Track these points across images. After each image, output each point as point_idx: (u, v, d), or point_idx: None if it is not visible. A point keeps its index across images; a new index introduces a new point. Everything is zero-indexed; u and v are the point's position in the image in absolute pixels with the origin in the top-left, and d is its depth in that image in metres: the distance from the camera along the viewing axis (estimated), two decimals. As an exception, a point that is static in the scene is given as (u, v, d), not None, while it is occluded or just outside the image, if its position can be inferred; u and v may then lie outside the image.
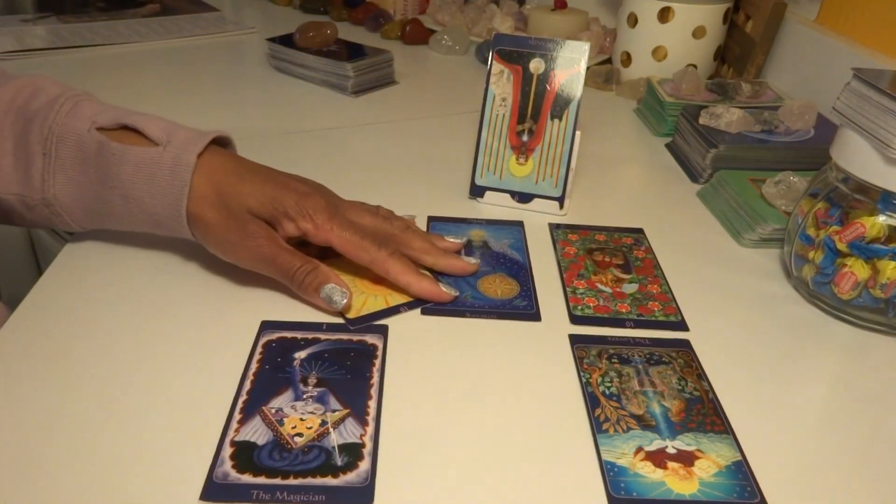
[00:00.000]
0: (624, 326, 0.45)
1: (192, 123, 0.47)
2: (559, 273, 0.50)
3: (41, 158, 0.45)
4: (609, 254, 0.53)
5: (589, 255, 0.53)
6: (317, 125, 0.73)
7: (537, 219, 0.57)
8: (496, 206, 0.59)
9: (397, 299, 0.46)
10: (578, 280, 0.49)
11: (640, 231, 0.56)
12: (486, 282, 0.49)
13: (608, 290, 0.48)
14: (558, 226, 0.56)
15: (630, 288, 0.49)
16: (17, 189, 0.46)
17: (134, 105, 0.48)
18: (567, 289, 0.49)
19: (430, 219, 0.56)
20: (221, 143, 0.49)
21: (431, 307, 0.46)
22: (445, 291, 0.46)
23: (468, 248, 0.53)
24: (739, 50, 0.88)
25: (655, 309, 0.47)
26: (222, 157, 0.46)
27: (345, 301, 0.43)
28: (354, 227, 0.45)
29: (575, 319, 0.46)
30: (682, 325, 0.45)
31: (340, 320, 0.44)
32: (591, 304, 0.47)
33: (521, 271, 0.50)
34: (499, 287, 0.49)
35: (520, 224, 0.57)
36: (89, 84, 0.81)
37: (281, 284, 0.46)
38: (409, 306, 0.45)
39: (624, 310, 0.46)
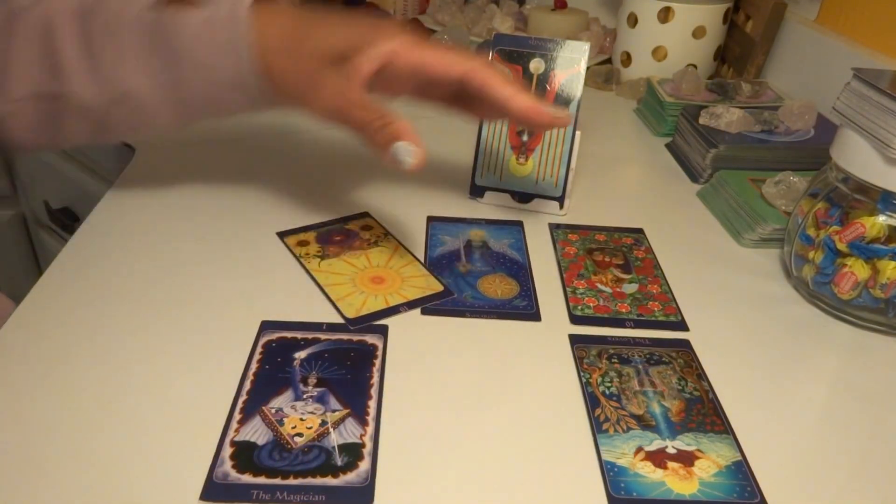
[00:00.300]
0: (624, 326, 0.45)
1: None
2: (559, 273, 0.50)
3: (109, 52, 0.44)
4: (609, 254, 0.53)
5: (589, 255, 0.53)
6: (316, 125, 0.73)
7: (537, 219, 0.57)
8: (496, 206, 0.59)
9: (397, 299, 0.46)
10: (578, 280, 0.49)
11: (640, 231, 0.56)
12: (485, 282, 0.49)
13: (608, 290, 0.48)
14: (558, 226, 0.56)
15: (630, 288, 0.49)
16: (92, 88, 0.44)
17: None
18: (567, 289, 0.49)
19: (430, 219, 0.56)
20: None
21: (431, 307, 0.46)
22: (548, 111, 0.42)
23: (468, 248, 0.53)
24: (739, 50, 0.88)
25: (655, 309, 0.47)
26: (277, 6, 0.43)
27: (413, 161, 0.41)
28: (441, 45, 0.42)
29: (575, 319, 0.46)
30: (682, 325, 0.45)
31: (341, 320, 0.44)
32: (591, 304, 0.47)
33: (520, 271, 0.50)
34: (499, 287, 0.49)
35: (519, 224, 0.57)
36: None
37: (281, 284, 0.46)
38: (409, 306, 0.45)
39: (624, 310, 0.46)
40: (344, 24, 0.42)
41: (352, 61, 0.41)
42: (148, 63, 0.44)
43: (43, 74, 0.45)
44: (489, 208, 0.59)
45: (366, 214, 0.56)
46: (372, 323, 0.44)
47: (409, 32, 0.42)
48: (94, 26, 0.44)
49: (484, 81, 0.41)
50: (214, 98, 0.45)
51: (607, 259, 0.52)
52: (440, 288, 0.48)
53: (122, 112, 0.46)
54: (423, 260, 0.51)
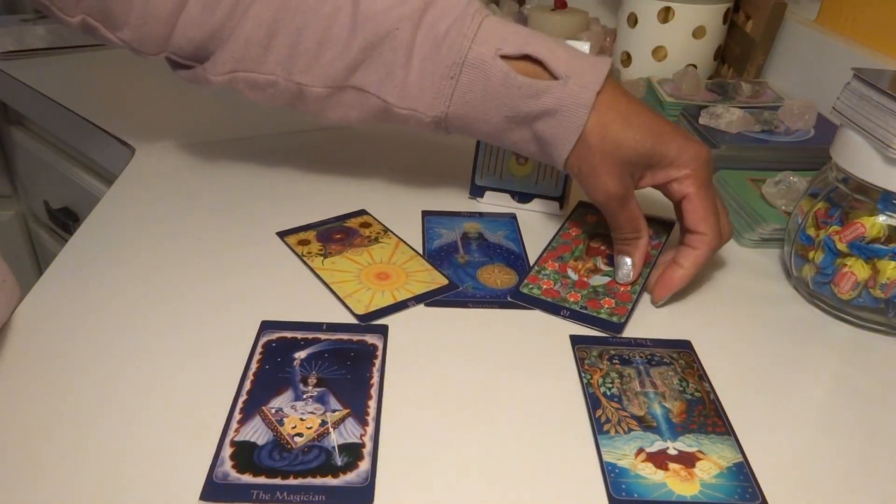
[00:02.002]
0: (558, 314, 0.45)
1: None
2: (542, 251, 0.51)
3: (448, 81, 0.47)
4: (610, 245, 0.52)
5: (590, 239, 0.53)
6: (317, 125, 0.73)
7: (532, 211, 0.57)
8: (496, 206, 0.59)
9: (404, 294, 0.46)
10: (554, 262, 0.50)
11: (670, 224, 0.54)
12: (484, 272, 0.49)
13: (574, 277, 0.49)
14: (585, 204, 0.57)
15: (598, 280, 0.49)
16: (415, 105, 0.48)
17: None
18: (535, 266, 0.49)
19: (425, 213, 0.56)
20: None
21: (436, 300, 0.46)
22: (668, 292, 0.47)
23: (464, 239, 0.53)
24: (739, 50, 0.88)
25: (606, 305, 0.46)
26: (615, 93, 0.46)
27: (624, 279, 0.48)
28: (715, 200, 0.47)
29: (514, 295, 0.47)
30: (617, 327, 0.45)
31: (343, 319, 0.44)
32: (544, 286, 0.48)
33: (518, 261, 0.51)
34: (498, 277, 0.49)
35: (513, 216, 0.57)
36: (90, 84, 0.81)
37: (281, 284, 0.46)
38: (416, 300, 0.46)
39: (573, 298, 0.47)
40: (653, 133, 0.45)
41: (636, 174, 0.47)
42: (473, 101, 0.48)
43: (371, 77, 0.49)
44: (478, 202, 0.59)
45: (363, 212, 0.56)
46: (379, 320, 0.44)
47: (710, 158, 0.46)
48: (441, 54, 0.47)
49: (696, 248, 0.47)
50: (511, 143, 0.50)
51: (602, 248, 0.52)
52: (445, 281, 0.48)
53: (429, 126, 0.50)
54: (421, 253, 0.51)
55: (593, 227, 0.54)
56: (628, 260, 0.48)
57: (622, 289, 0.48)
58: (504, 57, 0.46)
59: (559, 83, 0.45)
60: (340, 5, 0.48)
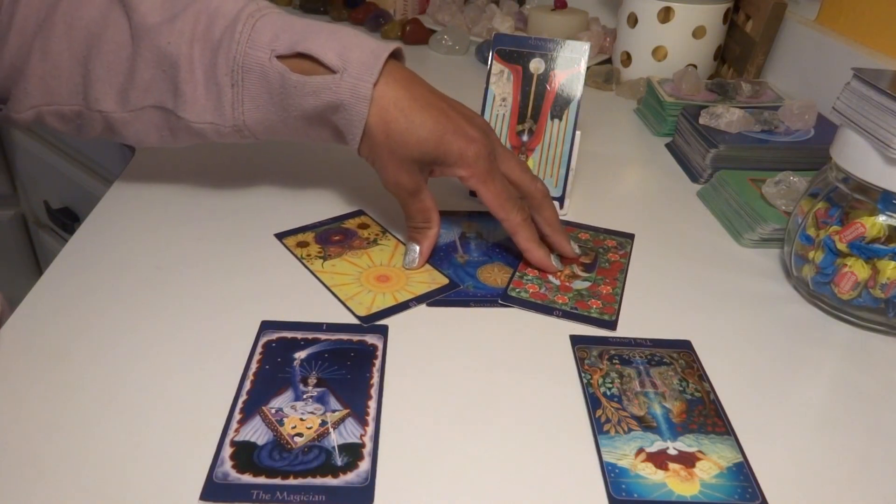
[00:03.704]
0: (551, 314, 0.45)
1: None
2: (519, 259, 0.51)
3: (230, 89, 0.47)
4: (581, 252, 0.52)
5: None
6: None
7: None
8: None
9: (405, 295, 0.46)
10: (533, 269, 0.50)
11: (629, 237, 0.55)
12: (484, 271, 0.50)
13: (557, 282, 0.49)
14: None
15: (580, 285, 0.49)
16: (210, 118, 0.48)
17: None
18: (517, 273, 0.49)
19: None
20: (394, 55, 0.49)
21: (437, 300, 0.46)
22: (555, 265, 0.50)
23: (463, 239, 0.53)
24: (739, 50, 0.88)
25: (594, 306, 0.46)
26: (395, 85, 0.46)
27: (408, 265, 0.49)
28: (504, 183, 0.47)
29: (505, 298, 0.47)
30: (611, 325, 0.45)
31: (343, 320, 0.44)
32: (530, 290, 0.48)
33: (516, 261, 0.51)
34: (498, 276, 0.49)
35: None
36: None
37: (281, 284, 0.46)
38: (418, 301, 0.46)
39: (561, 301, 0.47)
40: (438, 127, 0.46)
41: (427, 169, 0.48)
42: (265, 106, 0.48)
43: (164, 95, 0.48)
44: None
45: (361, 212, 0.56)
46: (382, 321, 0.44)
47: (491, 145, 0.47)
48: (219, 63, 0.47)
49: (515, 234, 0.48)
50: (313, 139, 0.51)
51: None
52: (445, 281, 0.48)
53: (231, 137, 0.50)
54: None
55: None
56: (416, 247, 0.49)
57: (604, 291, 0.48)
58: (281, 57, 0.46)
59: (335, 77, 0.45)
60: (117, 25, 0.47)
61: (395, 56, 0.49)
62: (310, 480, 0.33)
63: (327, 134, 0.49)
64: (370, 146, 0.47)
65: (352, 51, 0.45)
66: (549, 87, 0.56)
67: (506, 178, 0.47)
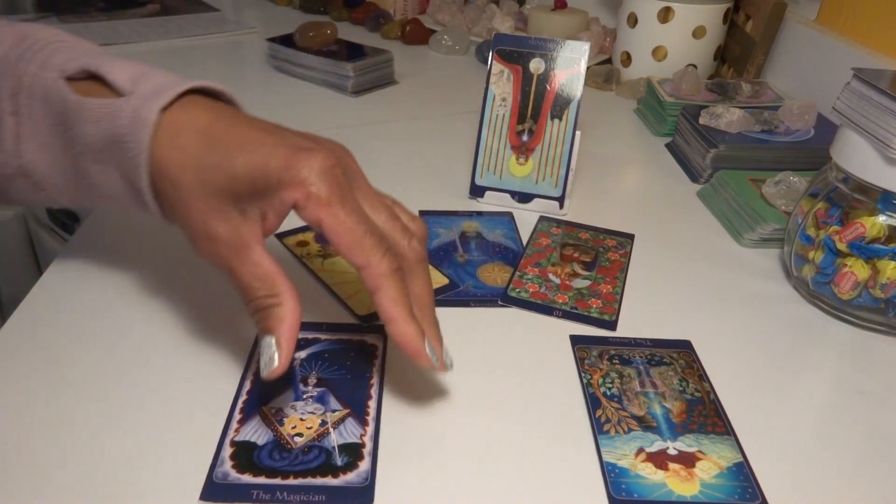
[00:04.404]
0: (551, 314, 0.45)
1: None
2: (518, 258, 0.51)
3: (11, 118, 0.37)
4: (582, 251, 0.53)
5: (561, 248, 0.53)
6: (317, 125, 0.73)
7: (529, 211, 0.57)
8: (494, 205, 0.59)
9: None
10: (533, 267, 0.50)
11: (629, 237, 0.56)
12: (484, 271, 0.50)
13: (557, 280, 0.49)
14: (548, 218, 0.57)
15: (580, 283, 0.49)
16: (29, 152, 0.38)
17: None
18: (517, 272, 0.49)
19: (422, 213, 0.56)
20: (211, 94, 0.37)
21: (437, 300, 0.46)
22: (427, 355, 0.35)
23: (463, 238, 0.53)
24: (739, 50, 0.88)
25: (594, 306, 0.47)
26: (197, 110, 0.35)
27: (268, 371, 0.32)
28: (360, 214, 0.33)
29: (505, 299, 0.46)
30: (611, 325, 0.45)
31: (343, 320, 0.44)
32: (530, 290, 0.48)
33: (516, 259, 0.51)
34: (498, 275, 0.49)
35: (510, 214, 0.57)
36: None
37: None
38: None
39: (561, 300, 0.47)
40: (252, 146, 0.33)
41: (252, 212, 0.34)
42: (51, 142, 0.37)
43: None
44: (478, 202, 0.59)
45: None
46: (375, 323, 0.44)
47: (338, 158, 0.33)
48: (2, 86, 0.38)
49: (376, 289, 0.33)
50: (113, 196, 0.38)
51: (575, 255, 0.52)
52: (445, 281, 0.48)
53: (21, 185, 0.39)
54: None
55: (561, 237, 0.54)
56: (271, 339, 0.33)
57: (604, 290, 0.48)
58: (70, 79, 0.36)
59: (119, 101, 0.35)
60: None
61: (218, 97, 0.37)
62: (310, 480, 0.33)
63: (120, 184, 0.37)
64: (165, 192, 0.34)
65: (150, 78, 0.36)
66: (549, 87, 0.56)
67: (364, 214, 0.34)
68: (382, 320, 0.34)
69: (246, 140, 0.33)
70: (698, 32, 0.83)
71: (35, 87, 0.37)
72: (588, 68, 0.63)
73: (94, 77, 0.36)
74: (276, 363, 0.32)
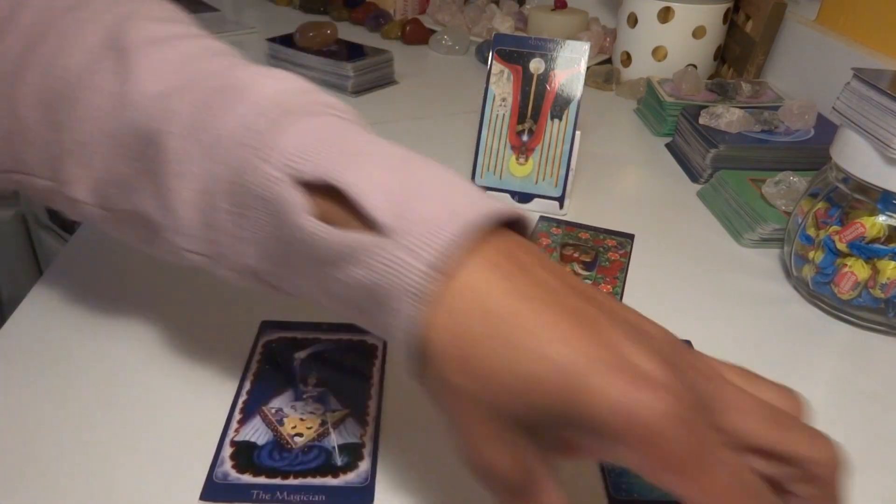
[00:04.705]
0: None
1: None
2: None
3: (227, 215, 0.28)
4: (582, 251, 0.53)
5: (561, 248, 0.53)
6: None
7: (533, 212, 0.57)
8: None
9: None
10: None
11: (629, 237, 0.55)
12: None
13: None
14: (548, 218, 0.57)
15: None
16: (202, 248, 0.30)
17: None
18: None
19: None
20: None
21: None
22: None
23: None
24: (739, 50, 0.88)
25: None
26: (484, 274, 0.24)
27: None
28: (731, 469, 0.21)
29: None
30: None
31: (342, 320, 0.44)
32: None
33: None
34: None
35: None
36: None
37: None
38: None
39: None
40: (566, 349, 0.22)
41: (549, 439, 0.24)
42: (273, 256, 0.28)
43: (146, 200, 0.31)
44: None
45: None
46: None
47: (687, 406, 0.21)
48: (217, 174, 0.28)
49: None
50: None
51: (575, 255, 0.52)
52: None
53: (234, 280, 0.31)
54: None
55: (560, 237, 0.54)
56: None
57: (604, 290, 0.48)
58: (305, 184, 0.26)
59: (376, 241, 0.24)
60: (101, 82, 0.31)
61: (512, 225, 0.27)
62: (310, 480, 0.33)
63: (373, 326, 0.27)
64: (432, 379, 0.25)
65: (417, 202, 0.24)
66: (549, 87, 0.56)
67: (738, 453, 0.22)
68: None
69: (563, 346, 0.22)
70: (698, 32, 0.83)
71: (252, 183, 0.27)
72: (588, 68, 0.63)
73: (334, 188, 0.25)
74: None
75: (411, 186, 0.25)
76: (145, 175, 0.30)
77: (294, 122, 0.27)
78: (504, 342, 0.22)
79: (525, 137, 0.57)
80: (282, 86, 0.29)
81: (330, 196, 0.25)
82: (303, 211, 0.25)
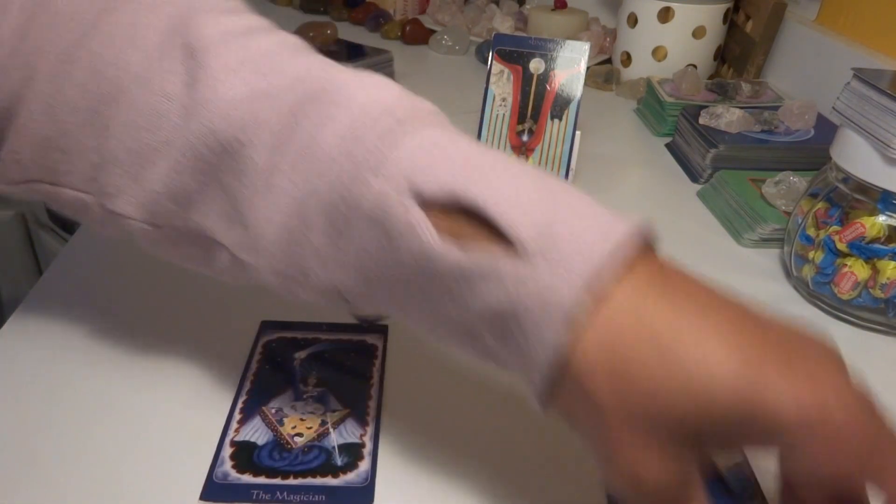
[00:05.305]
0: None
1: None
2: None
3: (322, 237, 0.26)
4: None
5: None
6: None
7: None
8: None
9: None
10: None
11: None
12: None
13: None
14: None
15: None
16: (281, 265, 0.28)
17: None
18: None
19: None
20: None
21: None
22: None
23: None
24: (739, 50, 0.88)
25: None
26: (638, 297, 0.23)
27: None
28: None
29: None
30: None
31: (342, 320, 0.44)
32: None
33: None
34: None
35: None
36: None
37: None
38: None
39: None
40: (734, 355, 0.22)
41: (699, 447, 0.23)
42: (380, 279, 0.26)
43: (214, 218, 0.29)
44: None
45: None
46: (382, 321, 0.44)
47: (869, 417, 0.22)
48: (318, 187, 0.26)
49: None
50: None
51: None
52: None
53: (313, 297, 0.29)
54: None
55: None
56: None
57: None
58: (426, 203, 0.24)
59: (513, 261, 0.23)
60: (164, 83, 0.28)
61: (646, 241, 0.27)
62: (310, 480, 0.33)
63: (487, 351, 0.26)
64: (574, 399, 0.24)
65: (561, 221, 0.23)
66: (549, 87, 0.56)
67: None
68: None
69: (715, 349, 0.22)
70: (698, 32, 0.83)
71: (361, 199, 0.24)
72: (588, 68, 0.63)
73: (462, 206, 0.24)
74: None
75: (548, 203, 0.24)
76: (216, 189, 0.28)
77: (407, 132, 0.25)
78: (667, 356, 0.22)
79: (525, 137, 0.57)
80: (384, 92, 0.27)
81: (450, 214, 0.24)
82: (427, 230, 0.23)
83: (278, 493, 0.32)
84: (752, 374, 0.21)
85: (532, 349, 0.23)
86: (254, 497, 0.32)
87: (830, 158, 0.48)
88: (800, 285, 0.50)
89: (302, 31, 0.86)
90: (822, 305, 0.48)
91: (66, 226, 1.12)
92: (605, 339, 0.22)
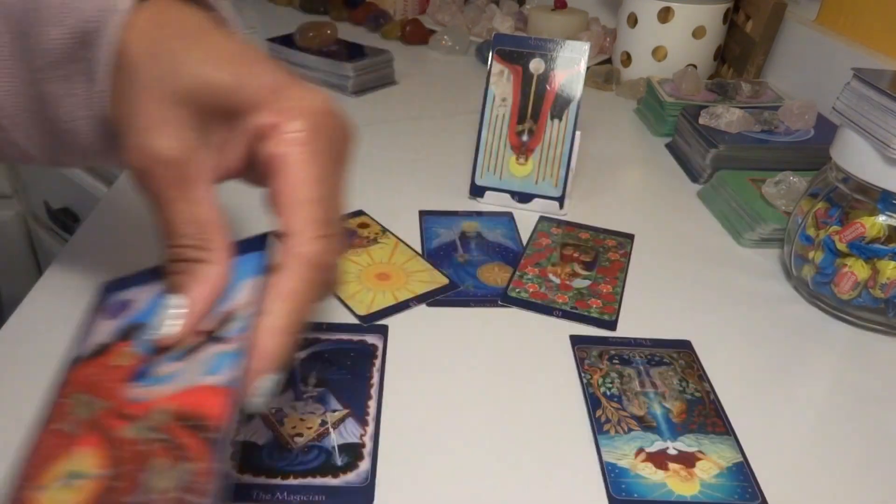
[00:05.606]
0: (551, 314, 0.45)
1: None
2: (518, 258, 0.51)
3: None
4: (581, 251, 0.53)
5: (561, 248, 0.53)
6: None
7: (530, 211, 0.57)
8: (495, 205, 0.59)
9: (405, 294, 0.46)
10: (533, 267, 0.50)
11: (629, 237, 0.55)
12: (484, 271, 0.50)
13: (557, 280, 0.49)
14: (548, 218, 0.57)
15: (580, 283, 0.49)
16: None
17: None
18: (517, 272, 0.49)
19: (422, 213, 0.56)
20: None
21: (437, 299, 0.46)
22: (264, 385, 0.26)
23: (463, 238, 0.53)
24: (739, 50, 0.88)
25: (593, 305, 0.47)
26: (187, 9, 0.29)
27: (164, 333, 0.27)
28: (333, 180, 0.28)
29: (505, 299, 0.46)
30: (611, 325, 0.45)
31: (344, 320, 0.44)
32: (530, 290, 0.48)
33: (516, 259, 0.51)
34: (497, 275, 0.49)
35: (509, 214, 0.57)
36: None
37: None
38: (418, 300, 0.46)
39: (560, 300, 0.47)
40: (236, 55, 0.28)
41: (212, 137, 0.28)
42: (8, 62, 0.30)
43: None
44: (478, 202, 0.59)
45: (360, 212, 0.56)
46: (381, 320, 0.44)
47: (331, 112, 0.29)
48: None
49: (282, 266, 0.28)
50: (79, 132, 0.32)
51: (576, 255, 0.52)
52: (445, 281, 0.48)
53: None
54: (421, 253, 0.51)
55: (560, 236, 0.54)
56: (180, 301, 0.28)
57: (604, 290, 0.48)
58: None
59: None
60: None
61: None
62: (310, 480, 0.33)
63: (83, 105, 0.30)
64: (121, 86, 0.28)
65: None
66: (549, 87, 0.56)
67: (338, 182, 0.30)
68: (259, 304, 0.26)
69: (239, 52, 0.28)
70: (698, 32, 0.83)
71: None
72: (588, 68, 0.63)
73: None
74: (176, 329, 0.27)
75: None
76: None
77: None
78: (192, 43, 0.27)
79: (525, 137, 0.57)
80: None
81: None
82: None
83: (278, 493, 0.32)
84: (242, 68, 0.27)
85: (98, 50, 0.28)
86: (254, 497, 0.32)
87: (830, 158, 0.48)
88: (800, 285, 0.50)
89: (302, 31, 0.86)
90: (822, 305, 0.48)
91: (66, 226, 1.12)
92: (150, 28, 0.27)
